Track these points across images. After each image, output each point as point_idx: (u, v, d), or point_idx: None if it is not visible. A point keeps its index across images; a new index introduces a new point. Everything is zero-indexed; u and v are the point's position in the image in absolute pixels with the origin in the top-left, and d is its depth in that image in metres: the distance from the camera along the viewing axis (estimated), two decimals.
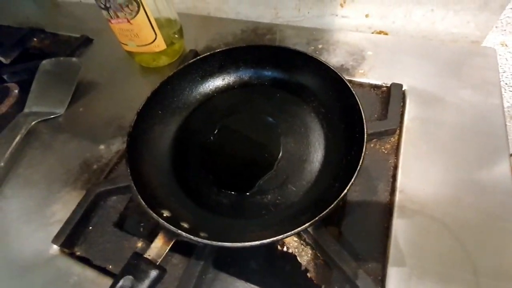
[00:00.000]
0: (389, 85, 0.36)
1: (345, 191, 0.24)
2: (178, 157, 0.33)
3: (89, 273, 0.28)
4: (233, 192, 0.31)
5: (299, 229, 0.23)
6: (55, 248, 0.30)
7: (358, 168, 0.25)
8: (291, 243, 0.32)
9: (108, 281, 0.27)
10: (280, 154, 0.32)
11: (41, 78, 0.45)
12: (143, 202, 0.25)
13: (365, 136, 0.26)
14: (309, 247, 0.31)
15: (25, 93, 0.52)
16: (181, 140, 0.35)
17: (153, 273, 0.23)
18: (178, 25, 0.43)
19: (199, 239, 0.23)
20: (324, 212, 0.23)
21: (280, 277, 0.33)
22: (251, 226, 0.29)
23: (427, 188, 0.29)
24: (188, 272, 0.26)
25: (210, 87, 0.37)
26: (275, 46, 0.35)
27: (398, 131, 0.33)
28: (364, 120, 0.27)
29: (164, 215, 0.26)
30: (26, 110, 0.43)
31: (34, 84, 0.44)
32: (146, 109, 0.32)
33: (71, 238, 0.30)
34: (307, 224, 0.23)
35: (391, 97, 0.34)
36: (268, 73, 0.36)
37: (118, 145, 0.37)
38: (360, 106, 0.28)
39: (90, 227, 0.31)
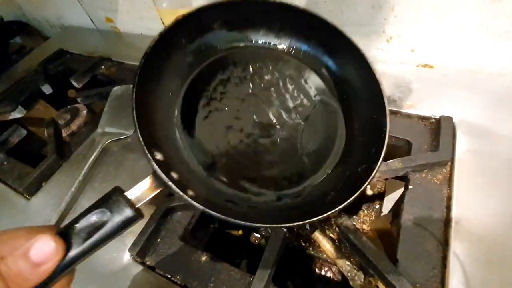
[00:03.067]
0: (437, 117, 0.38)
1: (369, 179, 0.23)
2: (190, 101, 0.29)
3: (160, 281, 0.31)
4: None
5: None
6: (128, 256, 0.34)
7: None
8: (344, 266, 0.33)
9: None
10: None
11: (113, 102, 0.51)
12: (141, 138, 0.23)
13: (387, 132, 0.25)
14: (361, 272, 0.32)
15: (92, 114, 0.59)
16: (200, 85, 0.30)
17: (128, 214, 0.21)
18: None
19: (185, 196, 0.22)
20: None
21: None
22: (243, 203, 0.27)
23: (484, 220, 0.29)
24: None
25: (244, 38, 0.32)
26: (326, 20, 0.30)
27: (449, 163, 0.34)
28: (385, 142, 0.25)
29: (157, 157, 0.23)
30: (99, 130, 0.48)
31: (107, 107, 0.51)
32: (170, 31, 0.26)
33: (144, 248, 0.33)
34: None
35: (441, 130, 0.36)
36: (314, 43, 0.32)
37: None
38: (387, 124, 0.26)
39: (159, 239, 0.35)
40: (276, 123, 0.31)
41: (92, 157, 0.43)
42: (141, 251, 0.33)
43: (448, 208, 0.31)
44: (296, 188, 0.28)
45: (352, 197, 0.23)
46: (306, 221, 0.23)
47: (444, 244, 0.29)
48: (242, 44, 0.33)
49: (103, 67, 0.64)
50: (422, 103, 0.40)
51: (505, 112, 0.37)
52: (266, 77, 0.33)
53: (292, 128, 0.31)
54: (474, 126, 0.37)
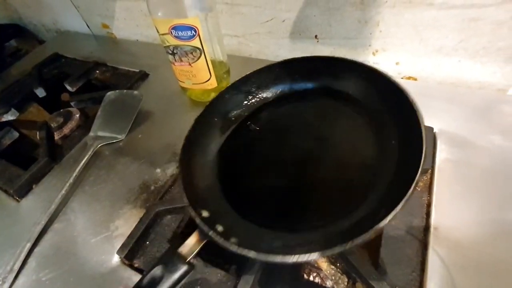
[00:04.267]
0: None
1: (389, 217, 0.23)
2: (226, 164, 0.36)
3: None
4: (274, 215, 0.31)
5: (333, 249, 0.23)
6: (117, 259, 0.34)
7: (406, 197, 0.23)
8: (328, 270, 0.34)
9: None
10: (327, 179, 0.32)
11: (106, 106, 0.51)
12: (186, 200, 0.29)
13: (421, 164, 0.24)
14: (345, 275, 0.33)
15: (85, 118, 0.60)
16: (232, 148, 0.37)
17: (182, 268, 0.25)
18: (227, 66, 0.49)
19: (228, 244, 0.25)
20: (362, 236, 0.22)
21: None
22: (287, 240, 0.29)
23: (461, 227, 0.31)
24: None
25: (265, 98, 0.40)
26: (330, 57, 0.36)
27: (430, 170, 0.36)
28: (424, 145, 0.26)
29: (203, 215, 0.28)
30: (91, 133, 0.49)
31: (100, 111, 0.51)
32: (203, 116, 0.36)
33: (132, 251, 0.34)
34: (342, 246, 0.22)
35: None
36: (321, 84, 0.37)
37: (173, 169, 0.41)
38: (422, 124, 0.27)
39: (148, 242, 0.35)
40: (313, 160, 0.33)
41: (84, 160, 0.44)
42: (129, 254, 0.33)
43: (428, 214, 0.32)
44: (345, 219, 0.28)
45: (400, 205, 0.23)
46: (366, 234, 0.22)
47: (423, 249, 0.30)
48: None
49: (97, 72, 0.65)
50: None
51: (484, 124, 0.39)
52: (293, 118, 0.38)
53: (331, 160, 0.33)
54: (454, 136, 0.38)
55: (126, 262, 0.34)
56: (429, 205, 0.33)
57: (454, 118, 0.40)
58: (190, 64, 0.43)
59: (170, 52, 0.42)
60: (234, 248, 0.24)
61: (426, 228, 0.31)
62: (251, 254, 0.24)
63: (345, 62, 0.35)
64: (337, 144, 0.34)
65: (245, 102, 0.40)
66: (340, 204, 0.30)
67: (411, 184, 0.24)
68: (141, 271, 0.33)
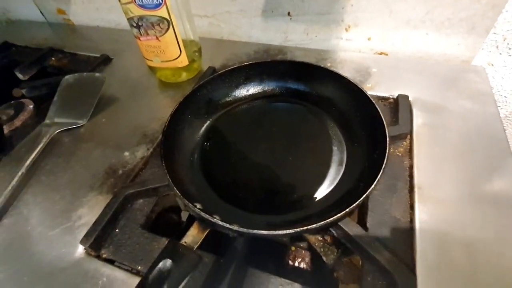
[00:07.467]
0: (395, 96, 0.40)
1: (371, 188, 0.26)
2: (205, 158, 0.35)
3: (118, 274, 0.28)
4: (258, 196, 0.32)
5: (328, 221, 0.25)
6: (81, 251, 0.30)
7: (383, 168, 0.27)
8: (316, 243, 0.32)
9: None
10: (303, 164, 0.34)
11: (64, 91, 0.46)
12: (180, 194, 0.27)
13: (388, 140, 0.29)
14: (334, 246, 0.32)
15: (40, 109, 0.53)
16: (208, 143, 0.37)
17: (191, 258, 0.23)
18: (198, 45, 0.47)
19: (234, 227, 0.25)
20: (352, 206, 0.25)
21: (307, 275, 0.33)
22: (279, 221, 0.30)
23: (443, 185, 0.31)
24: (223, 267, 0.26)
25: (236, 96, 0.40)
26: (297, 61, 0.39)
27: (409, 136, 0.36)
28: (385, 126, 0.30)
29: (197, 207, 0.27)
30: (47, 121, 0.44)
31: (57, 97, 0.46)
32: (177, 112, 0.34)
33: (99, 239, 0.30)
34: (335, 217, 0.25)
35: (399, 106, 0.38)
36: (290, 85, 0.40)
37: (143, 151, 0.38)
38: (381, 113, 0.31)
39: (117, 230, 0.31)
40: (282, 151, 0.35)
41: (38, 148, 0.39)
42: (95, 243, 0.29)
43: (411, 176, 0.32)
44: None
45: (379, 174, 0.27)
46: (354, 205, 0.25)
47: (410, 209, 0.30)
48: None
49: (53, 58, 0.59)
50: (380, 85, 0.42)
51: (454, 91, 0.40)
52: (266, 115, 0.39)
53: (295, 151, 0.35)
54: (428, 103, 0.39)
55: (92, 253, 0.30)
56: (411, 167, 0.33)
57: (425, 87, 0.41)
58: (157, 38, 0.40)
59: (135, 24, 0.39)
60: (241, 230, 0.25)
61: (411, 189, 0.31)
62: (260, 233, 0.24)
63: (311, 66, 0.38)
64: (309, 137, 0.36)
65: (219, 97, 0.40)
66: (319, 189, 0.32)
67: (383, 158, 0.28)
68: (111, 262, 0.29)
